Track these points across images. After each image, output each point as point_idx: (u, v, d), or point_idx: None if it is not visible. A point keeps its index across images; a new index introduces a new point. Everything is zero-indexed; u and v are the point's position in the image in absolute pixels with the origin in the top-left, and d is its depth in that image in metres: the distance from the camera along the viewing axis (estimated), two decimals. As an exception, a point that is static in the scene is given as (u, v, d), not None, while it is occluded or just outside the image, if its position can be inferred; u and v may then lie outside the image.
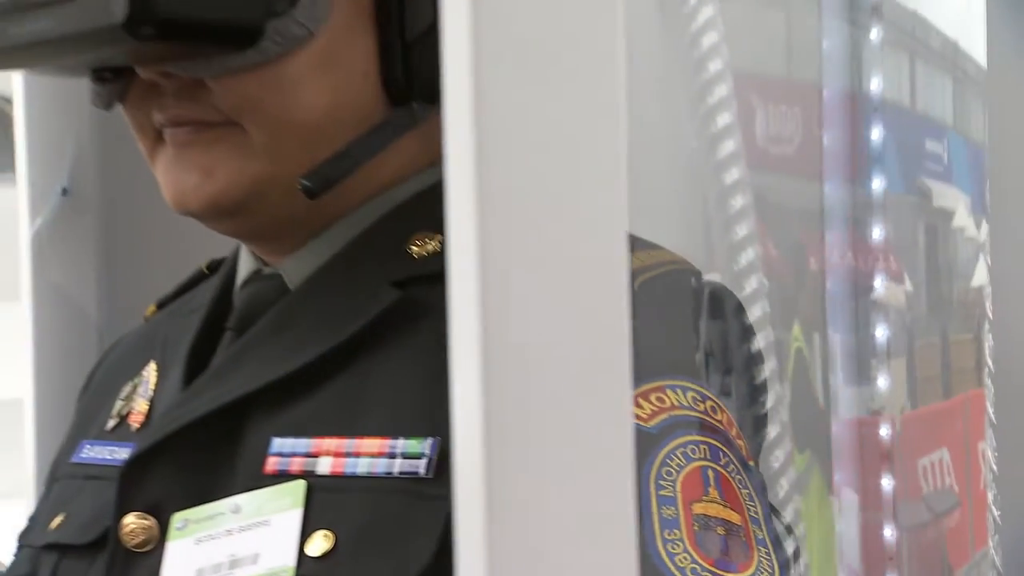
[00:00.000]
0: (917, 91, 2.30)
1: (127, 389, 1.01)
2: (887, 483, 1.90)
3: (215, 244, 1.05)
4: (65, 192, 1.21)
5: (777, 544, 0.86)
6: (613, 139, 0.49)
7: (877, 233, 2.02)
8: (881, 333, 1.99)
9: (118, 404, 1.01)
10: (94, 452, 0.98)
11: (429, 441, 0.83)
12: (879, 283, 1.99)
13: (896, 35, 2.22)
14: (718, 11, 1.55)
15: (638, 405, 0.82)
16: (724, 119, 1.57)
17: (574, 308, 0.48)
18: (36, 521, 1.02)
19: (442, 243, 0.88)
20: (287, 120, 0.87)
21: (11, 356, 1.24)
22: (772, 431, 1.55)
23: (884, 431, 1.90)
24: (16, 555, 1.03)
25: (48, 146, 1.21)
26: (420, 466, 0.82)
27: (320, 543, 0.82)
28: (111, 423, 1.00)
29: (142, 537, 0.88)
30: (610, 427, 0.49)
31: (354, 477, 0.84)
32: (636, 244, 0.88)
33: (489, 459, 0.46)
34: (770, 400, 1.57)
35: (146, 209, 1.24)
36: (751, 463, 0.88)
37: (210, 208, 0.89)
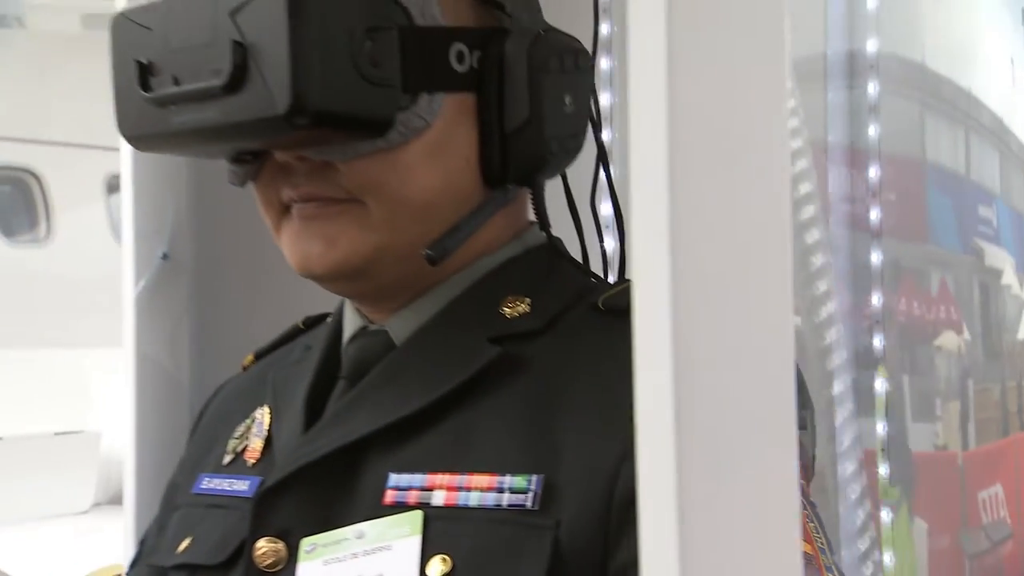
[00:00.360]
0: (971, 162, 2.31)
1: (240, 429, 1.00)
2: (886, 515, 1.87)
3: (296, 305, 1.07)
4: (165, 257, 1.22)
5: (842, 571, 0.83)
6: (781, 220, 0.47)
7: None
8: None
9: (232, 442, 0.99)
10: (213, 484, 0.97)
11: (534, 477, 0.81)
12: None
13: (951, 111, 2.22)
14: (800, 102, 1.57)
15: None
16: (805, 187, 1.57)
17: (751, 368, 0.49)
18: (157, 544, 1.00)
19: (531, 304, 0.89)
20: (403, 198, 0.87)
21: (117, 393, 1.26)
22: (849, 467, 1.53)
23: (882, 470, 1.86)
24: (130, 574, 1.02)
25: (151, 216, 1.21)
26: (527, 499, 0.80)
27: (439, 566, 0.80)
28: (227, 458, 0.99)
29: (272, 559, 0.87)
30: (780, 458, 0.49)
31: (466, 508, 0.82)
32: None
33: (680, 490, 0.47)
34: (847, 439, 1.54)
35: (236, 272, 1.26)
36: (811, 499, 0.86)
37: (332, 273, 0.89)
